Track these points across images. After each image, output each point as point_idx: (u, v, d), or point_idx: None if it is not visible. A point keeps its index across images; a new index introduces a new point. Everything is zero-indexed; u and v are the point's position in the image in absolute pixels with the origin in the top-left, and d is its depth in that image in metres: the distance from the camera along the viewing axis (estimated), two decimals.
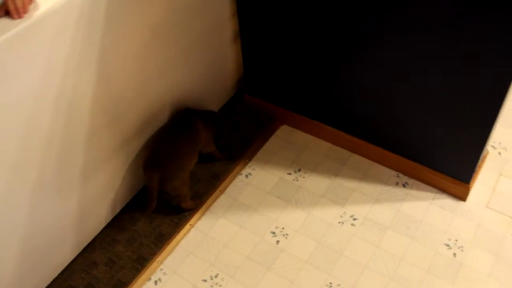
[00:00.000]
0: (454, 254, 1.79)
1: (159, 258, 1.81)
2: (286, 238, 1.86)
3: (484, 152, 1.88)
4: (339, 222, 1.89)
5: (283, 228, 1.88)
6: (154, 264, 1.80)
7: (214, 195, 1.98)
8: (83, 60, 1.47)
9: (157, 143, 1.86)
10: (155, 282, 1.77)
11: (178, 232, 1.87)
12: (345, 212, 1.92)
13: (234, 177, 2.05)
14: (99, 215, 1.85)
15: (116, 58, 1.58)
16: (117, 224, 1.90)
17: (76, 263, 1.81)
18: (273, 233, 1.87)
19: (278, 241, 1.85)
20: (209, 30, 1.96)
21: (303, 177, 2.04)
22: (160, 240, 1.85)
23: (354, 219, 1.90)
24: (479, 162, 1.88)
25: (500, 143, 2.13)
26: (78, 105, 1.53)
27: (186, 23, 1.81)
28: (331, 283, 1.73)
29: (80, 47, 1.44)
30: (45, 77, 1.38)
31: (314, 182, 2.02)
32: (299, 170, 2.06)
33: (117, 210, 1.93)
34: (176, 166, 1.83)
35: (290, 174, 2.05)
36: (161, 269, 1.80)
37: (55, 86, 1.42)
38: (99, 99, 1.59)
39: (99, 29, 1.47)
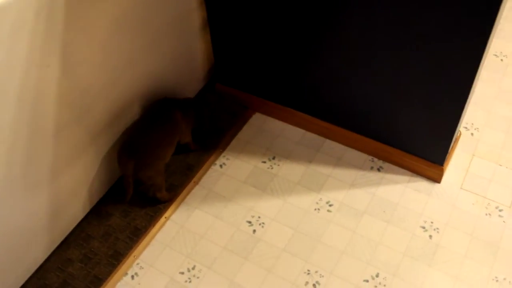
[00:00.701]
0: (430, 236, 1.80)
1: (135, 252, 1.79)
2: (262, 227, 1.85)
3: (456, 134, 1.88)
4: (315, 209, 1.89)
5: (259, 217, 1.87)
6: (130, 259, 1.78)
7: (188, 186, 1.96)
8: (45, 54, 1.42)
9: (133, 131, 1.83)
10: (132, 277, 1.75)
11: (154, 225, 1.85)
12: (320, 198, 1.91)
13: (208, 167, 2.03)
14: (73, 212, 1.82)
15: (80, 51, 1.54)
16: (91, 219, 1.87)
17: (50, 261, 1.77)
18: (249, 222, 1.86)
19: (254, 230, 1.84)
20: (177, 19, 1.92)
21: (278, 165, 2.02)
22: (135, 234, 1.83)
23: (330, 205, 1.89)
24: (452, 144, 1.89)
25: (472, 124, 2.14)
26: (43, 101, 1.49)
27: (152, 12, 1.78)
28: (309, 270, 1.73)
29: (41, 41, 1.39)
30: (5, 74, 1.34)
31: (289, 170, 2.01)
32: (273, 158, 2.05)
33: (91, 206, 1.90)
34: (151, 154, 1.80)
35: (264, 162, 2.04)
36: (138, 264, 1.78)
37: (17, 82, 1.38)
38: (65, 94, 1.55)
39: (60, 22, 1.42)
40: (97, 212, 1.89)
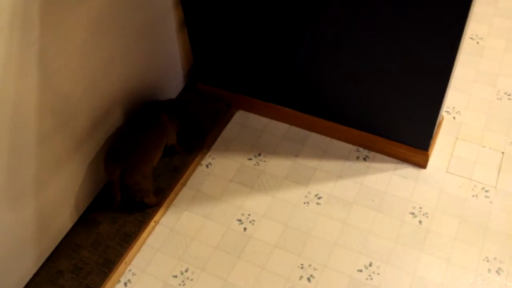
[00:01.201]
0: (420, 222, 1.81)
1: (127, 259, 1.77)
2: (253, 224, 1.84)
3: (439, 118, 1.90)
4: (304, 203, 1.89)
5: (249, 215, 1.87)
6: (122, 266, 1.76)
7: (176, 188, 1.94)
8: (22, 63, 1.40)
9: (119, 136, 1.82)
10: (125, 284, 1.73)
11: (143, 230, 1.83)
12: (309, 191, 1.92)
13: (195, 168, 2.02)
14: (61, 222, 1.79)
15: (57, 58, 1.51)
16: (80, 229, 1.85)
17: (40, 274, 1.74)
18: (240, 220, 1.86)
19: (245, 228, 1.83)
20: (154, 21, 1.90)
21: (264, 161, 2.02)
22: (125, 241, 1.81)
23: (319, 198, 1.90)
24: (436, 129, 1.90)
25: (454, 107, 2.16)
26: (24, 111, 1.46)
27: (128, 14, 1.76)
28: (302, 264, 1.73)
29: (17, 50, 1.37)
30: None
31: (276, 165, 2.01)
32: (259, 155, 2.05)
33: (79, 214, 1.87)
34: (138, 159, 1.78)
35: (250, 159, 2.03)
36: (130, 270, 1.76)
37: None
38: (46, 102, 1.53)
39: (36, 29, 1.40)
40: (85, 221, 1.87)
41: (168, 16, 1.98)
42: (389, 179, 1.93)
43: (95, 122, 1.78)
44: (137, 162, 1.77)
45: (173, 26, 2.03)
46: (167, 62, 2.09)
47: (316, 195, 1.90)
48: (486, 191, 1.88)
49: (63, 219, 1.80)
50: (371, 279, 1.68)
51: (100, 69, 1.71)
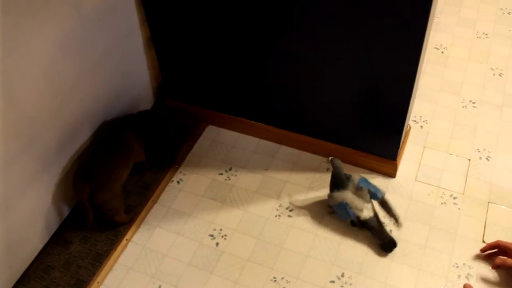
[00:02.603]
0: (390, 231, 1.83)
1: (99, 278, 1.76)
2: (225, 239, 1.84)
3: (406, 128, 1.93)
4: (275, 216, 1.89)
5: (221, 230, 1.87)
6: (94, 286, 1.74)
7: (147, 206, 1.93)
8: None
9: (88, 155, 1.82)
10: None
11: (115, 248, 1.82)
12: (280, 204, 1.93)
13: (166, 184, 2.01)
14: (31, 243, 1.77)
15: (22, 79, 1.50)
16: (50, 249, 1.82)
17: None
18: (212, 235, 1.85)
19: (217, 243, 1.83)
20: (120, 39, 1.90)
21: (235, 176, 2.03)
22: (97, 260, 1.79)
23: (290, 211, 1.91)
24: (403, 138, 1.93)
25: (421, 116, 2.20)
26: None
27: (94, 33, 1.75)
28: (275, 277, 1.73)
29: None
30: None
31: (246, 179, 2.01)
32: (230, 169, 2.05)
33: (50, 235, 1.85)
34: (106, 177, 1.78)
35: (221, 174, 2.04)
36: None
37: None
38: (11, 123, 1.51)
39: None
40: (56, 241, 1.85)
41: (134, 34, 1.98)
42: None
43: (63, 142, 1.76)
44: (105, 181, 1.77)
45: (140, 43, 2.03)
46: (135, 79, 2.09)
47: (287, 208, 1.91)
48: (454, 198, 1.91)
49: (33, 241, 1.78)
50: None
51: (66, 89, 1.70)
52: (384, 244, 1.78)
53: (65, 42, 1.63)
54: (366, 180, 1.80)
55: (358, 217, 1.76)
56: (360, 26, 1.59)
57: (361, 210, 1.76)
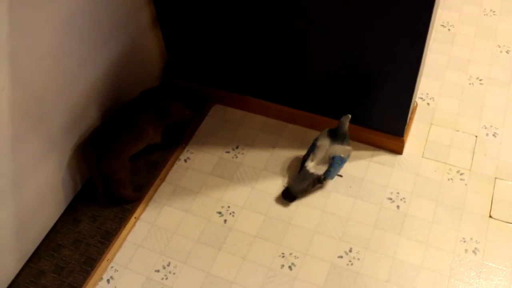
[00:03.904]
0: (398, 207, 1.84)
1: (108, 256, 1.77)
2: (233, 216, 1.85)
3: (413, 105, 1.93)
4: None
5: (228, 207, 1.88)
6: (104, 263, 1.76)
7: (155, 184, 1.95)
8: None
9: (100, 126, 1.85)
10: (108, 281, 1.73)
11: (124, 226, 1.83)
12: (287, 181, 1.93)
13: (173, 163, 2.02)
14: (41, 222, 1.79)
15: (30, 57, 1.50)
16: (60, 228, 1.84)
17: (22, 276, 1.74)
18: (220, 213, 1.87)
19: (225, 220, 1.84)
20: (126, 18, 1.90)
21: (242, 154, 2.03)
22: (106, 238, 1.81)
23: None
24: (410, 115, 1.93)
25: (427, 94, 2.19)
26: None
27: (100, 12, 1.75)
28: (283, 253, 1.75)
29: None
30: None
31: (254, 157, 2.02)
32: (237, 147, 2.06)
33: (59, 214, 1.87)
34: (113, 146, 1.79)
35: (228, 152, 2.05)
36: (112, 267, 1.76)
37: None
38: (19, 102, 1.52)
39: (4, 29, 1.39)
40: (65, 220, 1.86)
41: (140, 13, 1.97)
42: (366, 166, 1.96)
43: (71, 120, 1.77)
44: (112, 149, 1.78)
45: (146, 23, 2.03)
46: (141, 59, 2.09)
47: None
48: (461, 174, 1.92)
49: (43, 219, 1.80)
50: (352, 264, 1.71)
51: (73, 68, 1.71)
52: (286, 192, 1.86)
53: (71, 21, 1.63)
54: (341, 159, 1.83)
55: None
56: (368, 3, 1.58)
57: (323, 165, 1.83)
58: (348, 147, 1.83)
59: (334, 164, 1.82)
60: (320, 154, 1.83)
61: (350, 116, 1.81)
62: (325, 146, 1.83)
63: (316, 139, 1.87)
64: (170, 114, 1.95)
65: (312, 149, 1.86)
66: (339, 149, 1.81)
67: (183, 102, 1.97)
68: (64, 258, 1.77)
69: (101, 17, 1.77)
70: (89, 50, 1.76)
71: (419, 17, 1.55)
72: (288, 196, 1.86)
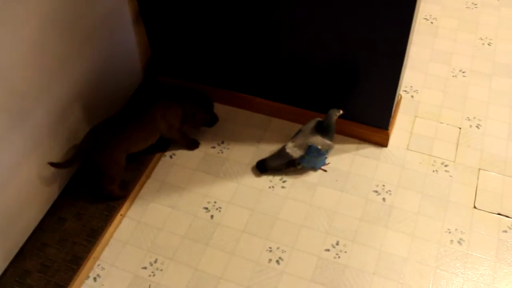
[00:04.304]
0: (384, 199, 1.85)
1: (95, 254, 1.76)
2: (219, 211, 1.85)
3: (397, 98, 1.94)
4: (269, 187, 1.90)
5: (215, 202, 1.87)
6: (90, 261, 1.75)
7: (141, 181, 1.93)
8: None
9: (111, 116, 1.85)
10: (94, 279, 1.72)
11: (110, 224, 1.82)
12: (274, 176, 1.93)
13: (158, 159, 2.01)
14: (25, 221, 1.77)
15: (10, 53, 1.48)
16: (45, 227, 1.82)
17: (6, 276, 1.71)
18: (206, 208, 1.86)
19: (212, 216, 1.84)
20: (109, 13, 1.88)
21: (228, 149, 2.03)
22: (92, 236, 1.79)
23: (284, 182, 1.91)
24: (394, 108, 1.94)
25: (411, 86, 2.20)
26: None
27: (83, 8, 1.73)
28: (270, 248, 1.75)
29: None
30: None
31: (239, 152, 2.02)
32: (222, 143, 2.05)
33: (43, 213, 1.84)
34: (113, 141, 1.78)
35: (214, 147, 2.04)
36: (98, 265, 1.75)
37: None
38: (1, 99, 1.50)
39: None
40: (50, 219, 1.84)
41: (123, 8, 1.96)
42: (351, 159, 1.96)
43: (54, 119, 1.75)
44: (112, 144, 1.77)
45: (128, 18, 2.01)
46: (125, 54, 2.07)
47: (280, 179, 1.92)
48: (446, 165, 1.93)
49: (27, 219, 1.78)
50: (339, 257, 1.71)
51: (55, 64, 1.69)
52: (260, 163, 1.93)
53: (52, 16, 1.61)
54: (317, 151, 1.84)
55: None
56: None
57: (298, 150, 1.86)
58: (328, 142, 1.83)
59: (309, 153, 1.83)
60: (300, 138, 1.86)
61: (340, 111, 1.81)
62: (307, 132, 1.84)
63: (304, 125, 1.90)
64: (195, 118, 1.96)
65: (297, 132, 1.89)
66: (317, 140, 1.82)
67: (204, 108, 1.99)
68: (49, 257, 1.76)
69: (83, 12, 1.75)
70: (71, 46, 1.74)
71: (402, 9, 1.55)
72: (260, 167, 1.93)
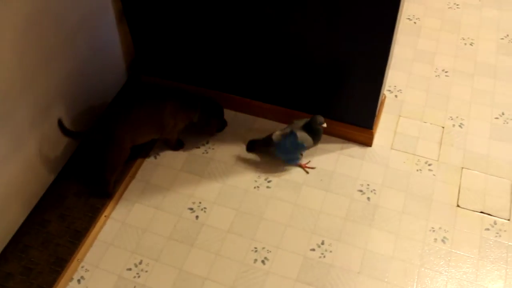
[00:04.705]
0: (368, 198, 1.86)
1: (78, 255, 1.74)
2: (204, 212, 1.84)
3: (381, 97, 1.95)
4: (254, 187, 1.90)
5: (200, 203, 1.87)
6: (74, 263, 1.73)
7: (125, 182, 1.92)
8: None
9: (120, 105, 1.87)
10: (78, 281, 1.70)
11: (94, 225, 1.80)
12: (259, 176, 1.93)
13: (143, 160, 2.00)
14: (5, 224, 1.74)
15: None
16: (27, 229, 1.80)
17: None
18: (191, 209, 1.85)
19: (197, 216, 1.83)
20: (92, 13, 1.87)
21: (212, 149, 2.02)
22: (76, 238, 1.78)
23: (269, 181, 1.91)
24: (378, 107, 1.95)
25: (395, 86, 2.22)
26: None
27: (65, 7, 1.72)
28: (256, 248, 1.75)
29: None
30: None
31: (224, 152, 2.01)
32: (207, 143, 2.05)
33: (26, 215, 1.82)
34: (124, 127, 1.78)
35: (198, 147, 2.03)
36: (83, 267, 1.73)
37: None
38: None
39: None
40: (33, 221, 1.82)
41: (106, 8, 1.94)
42: (336, 159, 1.97)
43: (37, 119, 1.73)
44: (120, 131, 1.78)
45: (112, 17, 1.99)
46: (108, 54, 2.06)
47: (265, 179, 1.92)
48: (429, 164, 1.95)
49: (9, 220, 1.75)
50: (324, 257, 1.72)
51: (38, 64, 1.67)
52: (250, 143, 2.00)
53: (34, 15, 1.59)
54: (295, 137, 1.84)
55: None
56: None
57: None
58: (309, 139, 1.84)
59: (287, 137, 1.86)
60: (287, 128, 1.88)
61: (324, 124, 1.82)
62: (297, 125, 1.85)
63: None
64: (209, 126, 2.00)
65: (289, 124, 1.91)
66: (301, 133, 1.83)
67: (218, 116, 2.01)
68: (32, 259, 1.73)
69: (65, 12, 1.73)
70: (54, 46, 1.72)
71: (386, 9, 1.56)
72: (249, 146, 2.00)
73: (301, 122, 1.85)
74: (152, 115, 1.84)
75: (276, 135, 1.88)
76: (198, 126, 1.98)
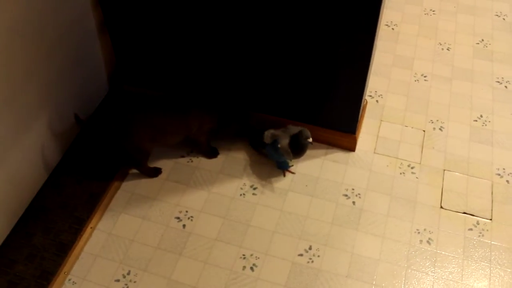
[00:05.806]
0: (354, 202, 1.88)
1: (65, 268, 1.72)
2: (191, 220, 1.84)
3: (363, 103, 1.97)
4: (240, 195, 1.91)
5: (186, 211, 1.87)
6: (61, 276, 1.71)
7: (110, 192, 1.91)
8: None
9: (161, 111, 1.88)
10: None
11: (80, 237, 1.78)
12: (244, 183, 1.94)
13: (128, 170, 1.99)
14: None
15: None
16: (11, 243, 1.77)
17: None
18: (178, 218, 1.85)
19: (184, 225, 1.83)
20: (72, 24, 1.86)
21: (197, 157, 2.02)
22: (62, 250, 1.76)
23: (255, 189, 1.92)
24: (361, 113, 1.98)
25: (376, 91, 2.25)
26: None
27: (45, 19, 1.71)
28: (244, 255, 1.75)
29: None
30: None
31: (209, 160, 2.02)
32: (192, 152, 2.05)
33: (10, 228, 1.80)
34: (143, 127, 1.82)
35: (183, 156, 2.03)
36: (70, 279, 1.72)
37: None
38: None
39: None
40: (16, 234, 1.80)
41: (87, 19, 1.93)
42: (320, 164, 1.99)
43: (18, 132, 1.71)
44: (139, 131, 1.82)
45: (93, 28, 1.99)
46: (90, 65, 2.05)
47: (251, 186, 1.93)
48: (412, 167, 1.98)
49: None
50: (312, 262, 1.73)
51: (19, 75, 1.65)
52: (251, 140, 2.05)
53: (16, 27, 1.58)
54: (276, 146, 1.87)
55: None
56: (316, 2, 1.61)
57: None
58: (289, 152, 1.85)
59: (271, 145, 1.90)
60: (278, 131, 1.90)
61: (309, 135, 1.83)
62: (286, 132, 1.87)
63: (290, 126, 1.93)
64: (229, 127, 2.05)
65: (284, 127, 1.93)
66: (284, 142, 1.85)
67: (239, 122, 2.04)
68: (17, 274, 1.71)
69: (46, 23, 1.72)
70: (35, 57, 1.71)
71: (367, 16, 1.59)
72: (252, 142, 2.06)
73: (294, 130, 1.85)
74: (176, 117, 1.87)
75: (267, 136, 1.90)
76: (219, 127, 2.00)
